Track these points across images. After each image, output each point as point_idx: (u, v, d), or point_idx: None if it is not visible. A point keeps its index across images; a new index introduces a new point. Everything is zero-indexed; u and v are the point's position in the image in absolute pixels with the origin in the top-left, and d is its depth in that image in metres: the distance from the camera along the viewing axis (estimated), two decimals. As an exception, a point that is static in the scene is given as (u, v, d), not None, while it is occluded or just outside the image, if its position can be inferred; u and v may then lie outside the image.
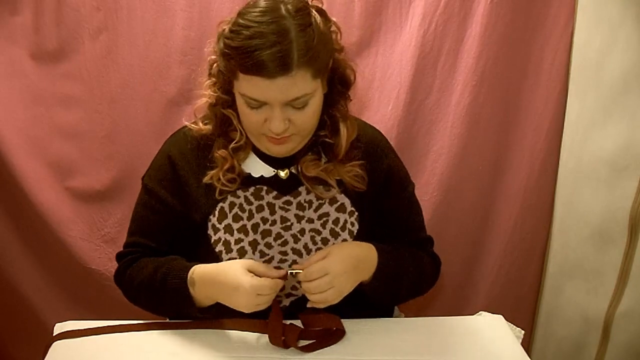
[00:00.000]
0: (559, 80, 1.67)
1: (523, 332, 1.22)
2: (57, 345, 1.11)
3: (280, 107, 1.06)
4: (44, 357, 1.10)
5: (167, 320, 1.27)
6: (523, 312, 1.84)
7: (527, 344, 1.84)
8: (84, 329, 1.14)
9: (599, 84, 1.52)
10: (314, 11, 1.08)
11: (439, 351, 1.12)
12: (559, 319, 1.72)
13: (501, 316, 1.25)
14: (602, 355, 1.52)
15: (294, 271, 1.09)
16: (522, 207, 1.76)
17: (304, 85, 1.05)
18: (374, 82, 1.68)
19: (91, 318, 1.19)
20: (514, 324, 1.23)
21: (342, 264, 1.08)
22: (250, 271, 1.06)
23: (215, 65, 1.15)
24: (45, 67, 1.64)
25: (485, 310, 1.28)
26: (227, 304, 1.09)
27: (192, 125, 1.21)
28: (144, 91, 1.65)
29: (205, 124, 1.20)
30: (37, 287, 1.75)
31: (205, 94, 1.19)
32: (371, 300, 1.20)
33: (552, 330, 1.75)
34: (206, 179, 1.18)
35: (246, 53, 1.02)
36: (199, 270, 1.13)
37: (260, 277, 1.06)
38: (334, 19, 1.13)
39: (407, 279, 1.21)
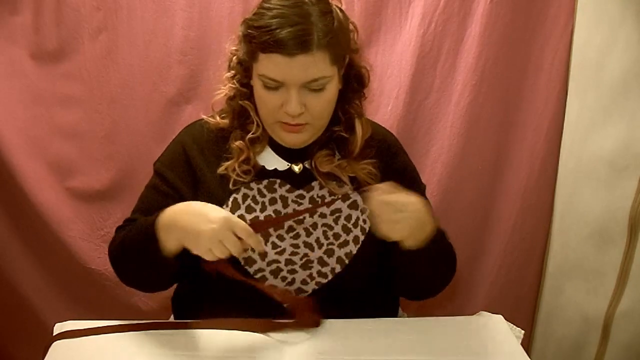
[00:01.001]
0: (559, 80, 1.66)
1: (523, 332, 1.22)
2: (57, 345, 1.11)
3: (297, 88, 1.09)
4: (44, 357, 1.10)
5: (168, 321, 1.27)
6: (523, 312, 1.84)
7: (527, 344, 1.84)
8: (84, 329, 1.14)
9: (599, 83, 1.52)
10: (334, 5, 1.13)
11: (439, 351, 1.12)
12: (559, 319, 1.72)
13: (501, 316, 1.25)
14: (601, 355, 1.52)
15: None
16: (522, 207, 1.76)
17: (323, 66, 1.08)
18: (373, 82, 1.66)
19: (91, 318, 1.19)
20: (514, 324, 1.23)
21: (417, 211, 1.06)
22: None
23: (234, 57, 1.18)
24: (45, 67, 1.64)
25: (485, 310, 1.28)
26: (190, 232, 1.03)
27: (210, 118, 1.23)
28: (144, 91, 1.65)
29: (223, 118, 1.23)
30: (37, 287, 1.75)
31: (223, 88, 1.22)
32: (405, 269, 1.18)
33: (552, 330, 1.76)
34: (221, 170, 1.19)
35: (268, 31, 1.06)
36: (170, 209, 1.09)
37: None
38: (352, 20, 1.17)
39: (442, 259, 1.21)
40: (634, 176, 1.40)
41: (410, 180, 1.27)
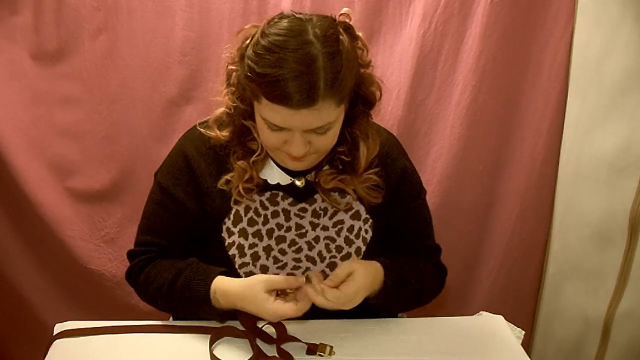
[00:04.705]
0: (559, 81, 1.67)
1: (523, 332, 1.22)
2: (57, 345, 1.11)
3: (302, 133, 1.03)
4: (45, 356, 1.10)
5: (168, 322, 1.27)
6: (523, 312, 1.84)
7: (527, 344, 1.84)
8: (85, 329, 1.14)
9: (599, 84, 1.52)
10: (341, 32, 1.03)
11: (439, 351, 1.12)
12: (559, 319, 1.72)
13: (501, 316, 1.25)
14: (602, 356, 1.52)
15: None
16: (522, 207, 1.76)
17: (328, 115, 1.02)
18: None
19: (91, 318, 1.19)
20: (514, 324, 1.23)
21: (364, 291, 1.10)
22: (272, 289, 1.07)
23: (234, 74, 1.10)
24: (45, 67, 1.64)
25: (485, 311, 1.28)
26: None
27: (209, 132, 1.16)
28: (144, 91, 1.65)
29: (221, 130, 1.16)
30: (37, 287, 1.75)
31: (222, 102, 1.15)
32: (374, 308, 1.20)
33: (552, 331, 1.76)
34: (221, 184, 1.16)
35: (270, 82, 0.98)
36: (221, 289, 1.11)
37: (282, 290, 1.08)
38: (359, 34, 1.08)
39: (410, 293, 1.21)
40: (634, 176, 1.40)
41: (409, 188, 1.25)
